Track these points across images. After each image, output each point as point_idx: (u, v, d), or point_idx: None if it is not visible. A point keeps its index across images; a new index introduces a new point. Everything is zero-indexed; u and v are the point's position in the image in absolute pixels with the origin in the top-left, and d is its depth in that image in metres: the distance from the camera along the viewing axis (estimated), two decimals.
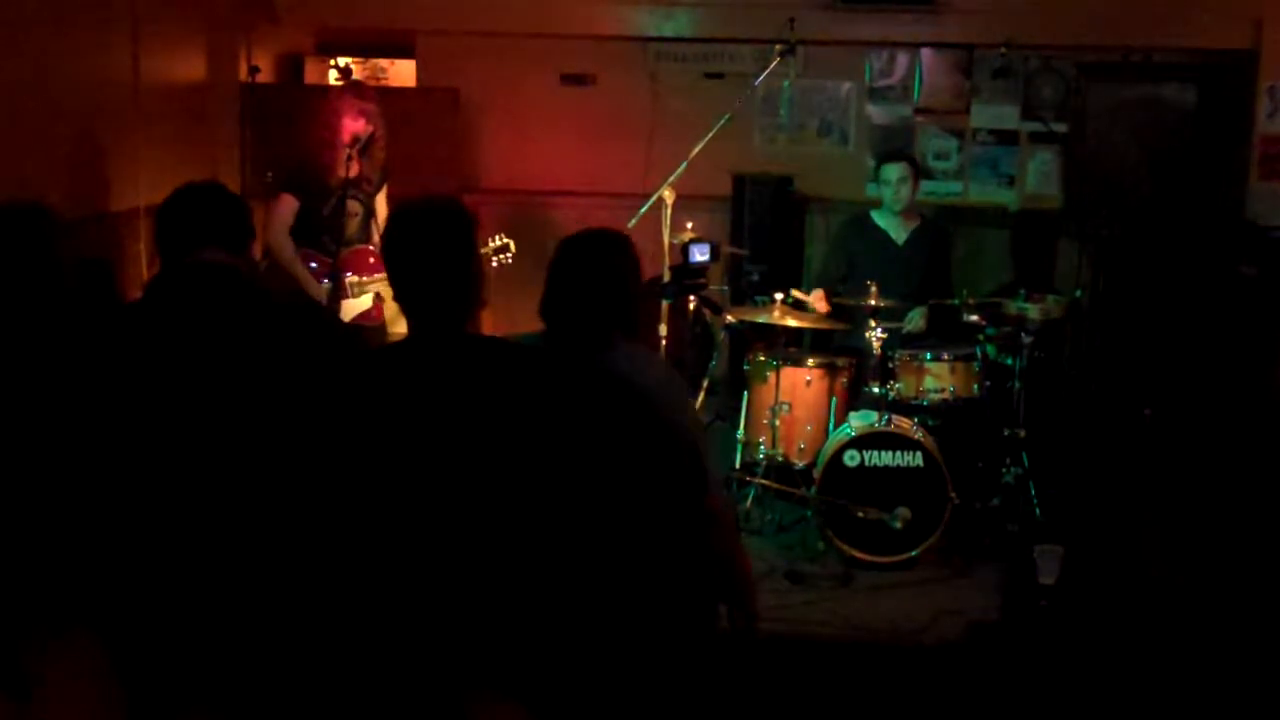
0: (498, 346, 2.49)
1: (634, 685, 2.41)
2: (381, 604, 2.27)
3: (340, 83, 5.72)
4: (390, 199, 5.18)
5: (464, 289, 2.48)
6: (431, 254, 2.47)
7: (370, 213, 5.08)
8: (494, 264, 5.09)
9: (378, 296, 5.05)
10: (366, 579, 2.28)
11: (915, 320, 5.59)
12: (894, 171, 5.66)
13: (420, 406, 2.34)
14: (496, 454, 2.30)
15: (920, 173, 6.01)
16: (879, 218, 5.79)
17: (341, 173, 4.86)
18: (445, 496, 2.27)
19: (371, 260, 5.04)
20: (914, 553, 4.82)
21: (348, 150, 4.84)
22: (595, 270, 2.92)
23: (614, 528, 2.37)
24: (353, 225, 5.02)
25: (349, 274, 4.99)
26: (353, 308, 5.01)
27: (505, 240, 5.13)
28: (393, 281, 2.53)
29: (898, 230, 5.75)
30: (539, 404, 2.37)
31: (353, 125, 4.87)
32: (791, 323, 5.26)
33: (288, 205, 4.93)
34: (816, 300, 5.56)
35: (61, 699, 2.36)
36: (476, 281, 2.53)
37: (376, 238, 5.13)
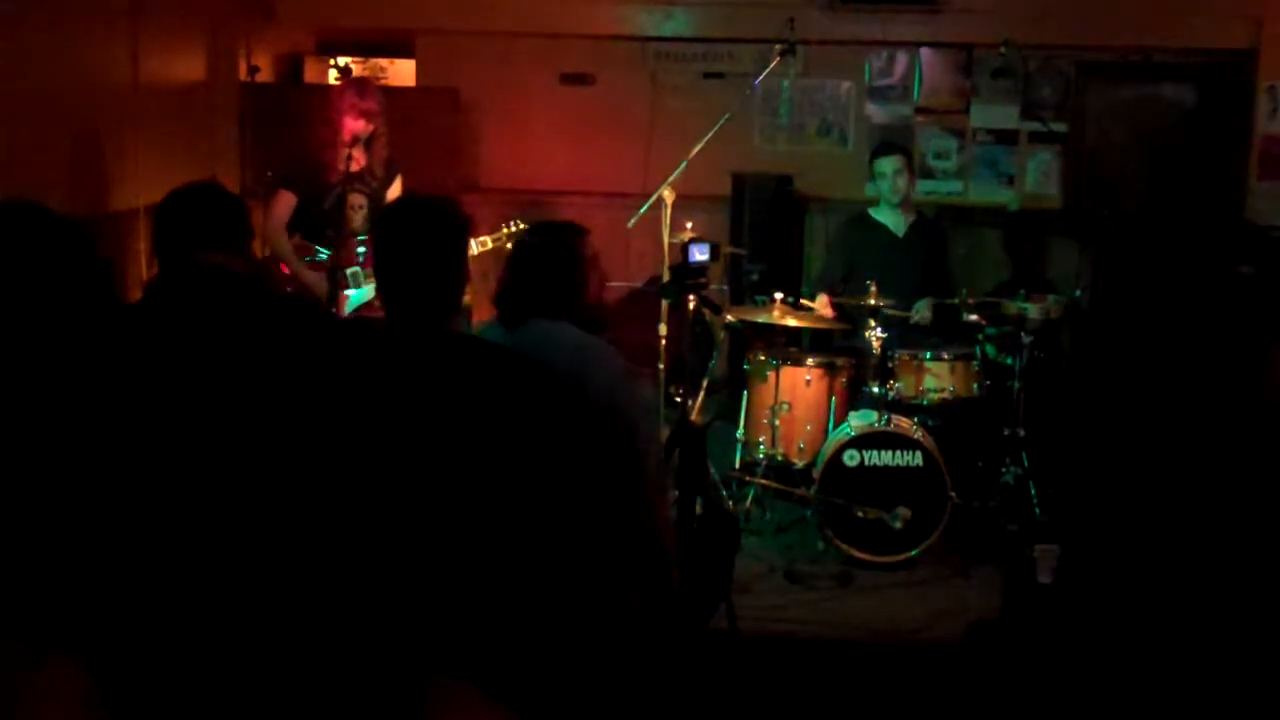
0: (471, 344, 2.50)
1: (602, 677, 2.42)
2: (348, 598, 2.27)
3: (340, 82, 5.73)
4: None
5: (443, 289, 2.49)
6: (416, 252, 2.49)
7: (378, 207, 5.09)
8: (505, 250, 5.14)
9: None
10: (333, 574, 2.28)
11: (922, 310, 5.57)
12: (889, 164, 5.68)
13: (392, 402, 2.36)
14: (463, 450, 2.31)
15: (914, 164, 6.02)
16: (878, 214, 5.80)
17: (342, 168, 4.88)
18: (413, 491, 2.28)
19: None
20: (914, 552, 4.82)
21: (348, 149, 4.85)
22: (521, 258, 3.01)
23: (568, 520, 2.39)
24: (357, 218, 5.03)
25: (351, 265, 5.01)
26: (355, 298, 5.03)
27: (523, 226, 5.16)
28: (376, 274, 2.54)
29: (897, 223, 5.77)
30: (507, 402, 2.38)
31: (353, 125, 4.88)
32: (791, 322, 5.26)
33: (285, 201, 4.96)
34: (822, 307, 5.56)
35: (33, 700, 2.35)
36: (458, 284, 2.54)
37: None
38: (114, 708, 2.38)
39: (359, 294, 5.04)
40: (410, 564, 2.28)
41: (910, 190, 5.78)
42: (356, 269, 5.02)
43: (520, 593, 2.30)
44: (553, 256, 3.01)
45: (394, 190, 5.17)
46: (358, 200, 5.02)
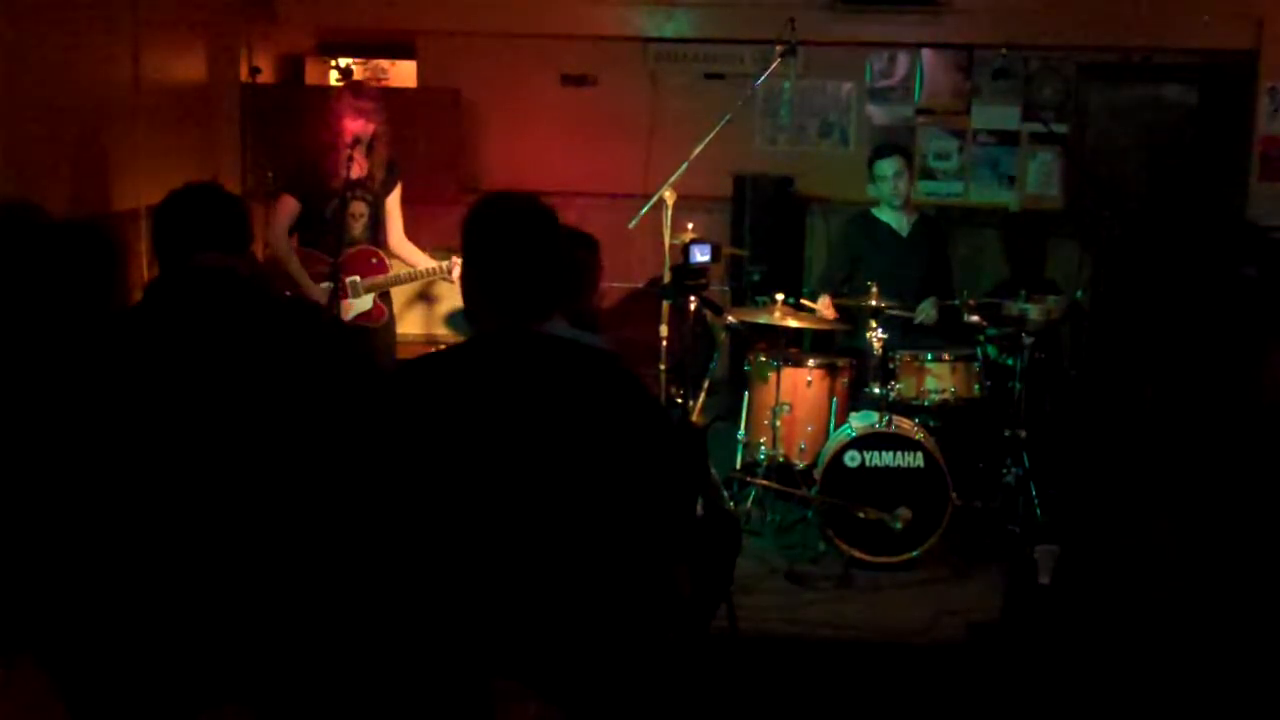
0: (567, 346, 2.45)
1: (650, 679, 2.41)
2: (436, 600, 2.25)
3: (340, 84, 5.73)
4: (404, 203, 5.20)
5: (545, 289, 2.43)
6: (520, 254, 2.41)
7: (377, 214, 5.08)
8: None
9: (379, 297, 5.07)
10: (421, 576, 2.26)
11: (927, 310, 5.58)
12: (889, 166, 5.68)
13: (492, 405, 2.31)
14: (565, 452, 2.28)
15: (914, 163, 6.02)
16: (881, 214, 5.81)
17: (343, 173, 4.87)
18: (516, 495, 2.25)
19: (374, 261, 5.05)
20: (914, 553, 4.82)
21: (349, 151, 4.84)
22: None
23: (643, 522, 2.37)
24: (357, 226, 5.02)
25: (350, 274, 5.00)
26: (353, 308, 5.02)
27: None
28: (472, 278, 2.45)
29: (900, 223, 5.77)
30: (606, 404, 2.35)
31: (353, 126, 4.87)
32: (792, 323, 5.26)
33: (287, 206, 4.94)
34: (824, 308, 5.56)
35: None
36: (556, 283, 2.47)
37: (390, 240, 5.15)
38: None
39: (355, 304, 5.03)
40: (501, 565, 2.25)
41: (910, 190, 5.78)
42: (356, 278, 5.02)
43: (588, 592, 2.28)
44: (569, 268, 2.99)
45: (394, 197, 5.16)
46: (359, 208, 5.01)
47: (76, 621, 2.41)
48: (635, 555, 2.33)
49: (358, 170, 4.89)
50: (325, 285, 4.87)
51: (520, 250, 2.42)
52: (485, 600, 2.24)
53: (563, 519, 2.25)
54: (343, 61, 6.95)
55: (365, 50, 7.21)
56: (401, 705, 2.25)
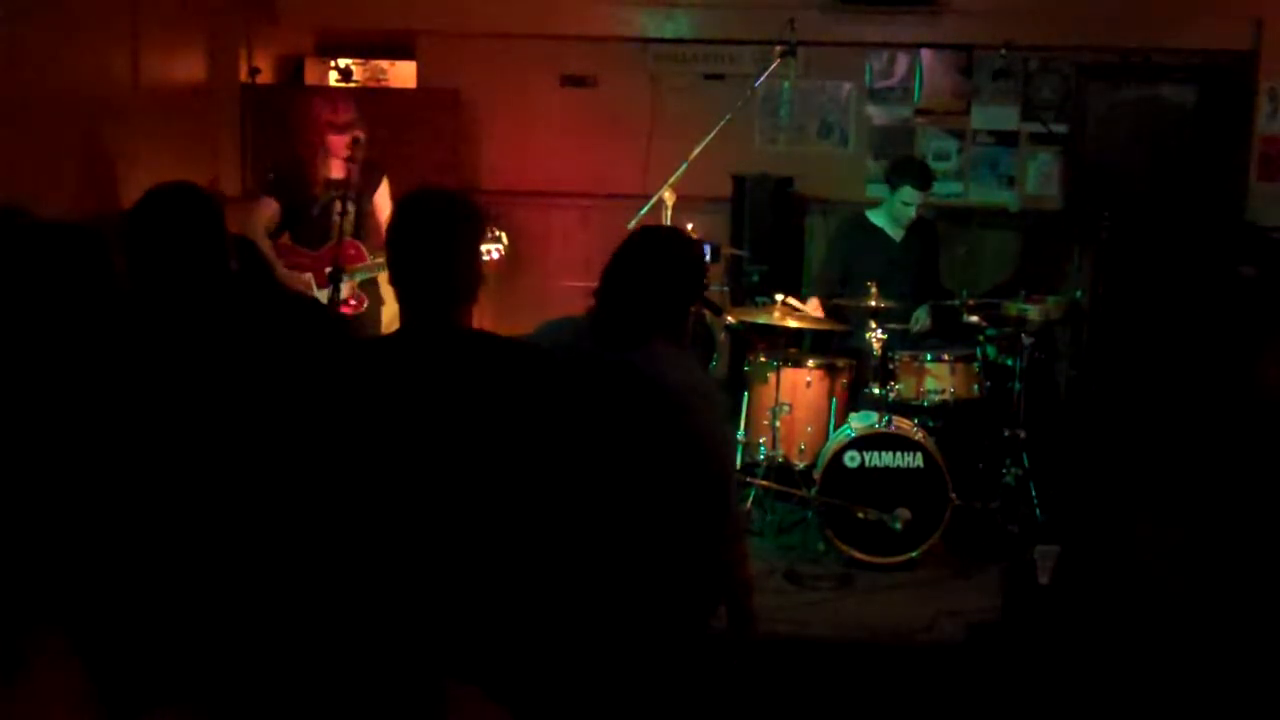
0: (487, 341, 2.50)
1: (618, 686, 2.42)
2: (366, 594, 2.27)
3: (332, 83, 5.75)
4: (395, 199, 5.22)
5: (453, 283, 2.49)
6: (426, 246, 2.49)
7: (362, 211, 5.12)
8: (484, 258, 5.13)
9: (359, 286, 5.11)
10: (352, 570, 2.29)
11: (921, 319, 5.59)
12: (914, 196, 5.64)
13: (408, 400, 2.36)
14: (481, 447, 2.31)
15: None
16: (875, 217, 5.80)
17: (335, 175, 4.94)
18: (431, 489, 2.29)
19: (352, 251, 5.09)
20: (914, 554, 4.83)
21: (350, 152, 4.90)
22: (648, 268, 2.87)
23: (604, 524, 2.38)
24: (345, 224, 5.05)
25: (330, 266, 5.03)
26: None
27: (496, 233, 5.17)
28: (391, 270, 2.54)
29: (894, 229, 5.76)
30: (525, 399, 2.38)
31: (337, 141, 4.98)
32: (792, 324, 5.26)
33: (267, 208, 5.02)
34: (812, 309, 5.56)
35: (31, 698, 2.35)
36: (470, 277, 2.54)
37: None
38: (103, 686, 2.38)
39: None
40: (423, 562, 2.28)
41: None
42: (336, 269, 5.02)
43: (525, 590, 2.30)
44: (670, 270, 2.93)
45: (381, 193, 5.18)
46: (341, 207, 5.05)
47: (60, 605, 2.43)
48: (570, 550, 2.35)
49: (342, 173, 4.97)
50: (314, 284, 4.92)
51: (424, 247, 2.50)
52: (424, 599, 2.26)
53: (478, 514, 2.28)
54: (342, 62, 6.95)
55: (365, 50, 7.20)
56: (352, 706, 2.26)
